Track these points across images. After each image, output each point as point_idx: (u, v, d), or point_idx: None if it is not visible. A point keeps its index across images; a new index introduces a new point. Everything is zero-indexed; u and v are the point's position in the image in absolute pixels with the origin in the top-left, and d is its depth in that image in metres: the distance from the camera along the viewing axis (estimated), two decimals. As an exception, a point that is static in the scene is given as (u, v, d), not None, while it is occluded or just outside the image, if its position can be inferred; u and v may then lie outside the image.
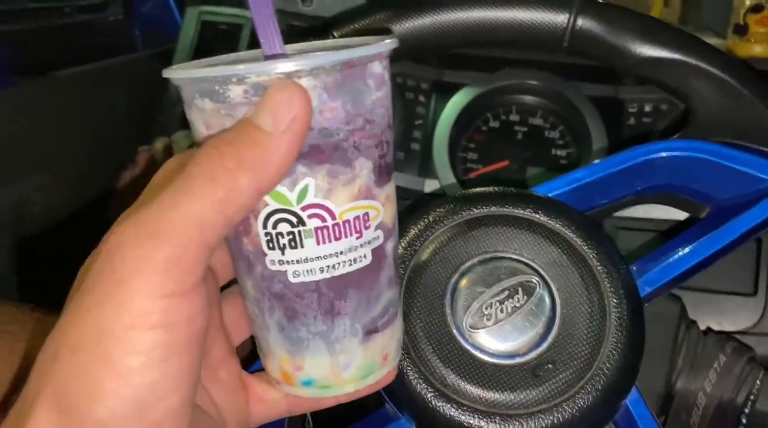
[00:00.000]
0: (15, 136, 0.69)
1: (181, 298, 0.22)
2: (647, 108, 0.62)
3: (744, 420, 0.40)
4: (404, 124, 0.66)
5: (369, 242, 0.27)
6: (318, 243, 0.25)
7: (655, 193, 0.38)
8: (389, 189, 0.28)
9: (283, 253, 0.26)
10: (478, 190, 0.37)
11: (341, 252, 0.26)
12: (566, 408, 0.31)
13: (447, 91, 0.67)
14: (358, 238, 0.26)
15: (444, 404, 0.32)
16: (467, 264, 0.34)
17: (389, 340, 0.29)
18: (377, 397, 0.35)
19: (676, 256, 0.35)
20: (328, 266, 0.26)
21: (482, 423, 0.31)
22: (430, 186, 0.65)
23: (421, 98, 0.68)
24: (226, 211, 0.23)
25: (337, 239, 0.26)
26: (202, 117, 0.25)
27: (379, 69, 0.26)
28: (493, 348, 0.33)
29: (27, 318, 0.39)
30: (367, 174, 0.26)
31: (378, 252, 0.27)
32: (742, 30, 0.67)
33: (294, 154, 0.24)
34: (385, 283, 0.28)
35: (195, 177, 0.23)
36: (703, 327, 0.48)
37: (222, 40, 0.67)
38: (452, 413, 0.32)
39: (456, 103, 0.66)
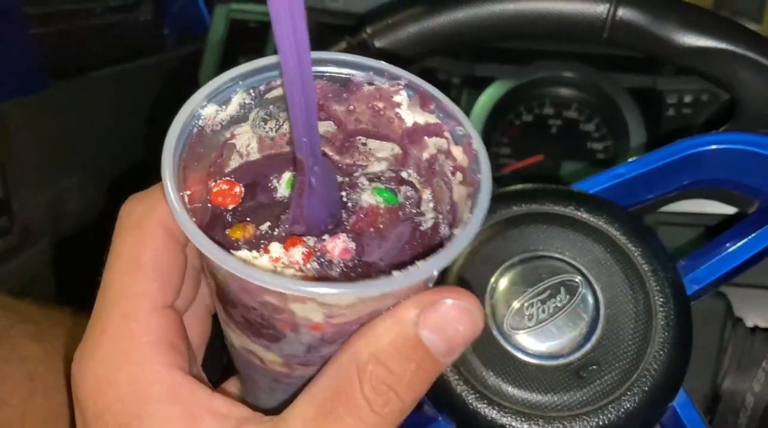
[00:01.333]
0: (51, 137, 0.70)
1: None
2: (687, 99, 0.60)
3: (795, 422, 0.39)
4: (435, 119, 0.66)
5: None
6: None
7: (703, 187, 0.37)
8: None
9: None
10: (517, 186, 0.36)
11: None
12: (611, 410, 0.31)
13: (479, 85, 0.66)
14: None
15: (485, 406, 0.31)
16: (507, 264, 0.34)
17: None
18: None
19: (724, 253, 0.34)
20: None
21: (524, 426, 0.31)
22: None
23: (453, 93, 0.67)
24: None
25: None
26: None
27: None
28: (534, 349, 0.32)
29: (68, 320, 0.40)
30: None
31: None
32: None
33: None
34: None
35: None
36: (750, 324, 0.47)
37: (251, 38, 0.67)
38: (494, 415, 0.31)
39: (488, 97, 0.65)
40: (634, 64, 0.63)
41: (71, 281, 0.70)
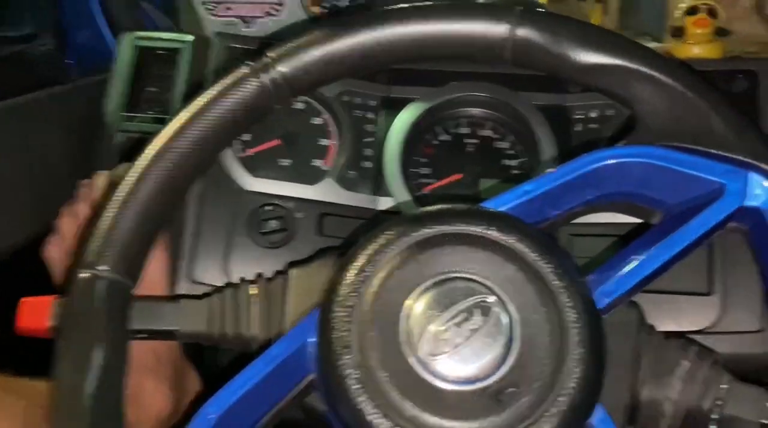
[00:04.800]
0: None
1: None
2: (593, 114, 0.62)
3: (713, 426, 0.40)
4: (355, 142, 0.65)
5: None
6: None
7: (607, 201, 0.38)
8: None
9: None
10: (427, 208, 0.36)
11: None
12: (531, 432, 0.30)
13: (396, 106, 0.66)
14: None
15: (405, 439, 0.30)
16: (421, 288, 0.33)
17: None
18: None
19: (631, 266, 0.35)
20: None
21: (445, 456, 0.30)
22: (384, 204, 0.64)
23: (370, 115, 0.67)
24: None
25: None
26: None
27: None
28: (452, 375, 0.31)
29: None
30: None
31: None
32: (678, 32, 0.68)
33: None
34: None
35: None
36: (661, 328, 0.48)
37: (160, 66, 0.65)
38: (414, 447, 0.30)
39: (405, 118, 0.65)
40: (544, 83, 0.64)
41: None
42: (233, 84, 0.37)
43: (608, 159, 0.36)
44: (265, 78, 0.37)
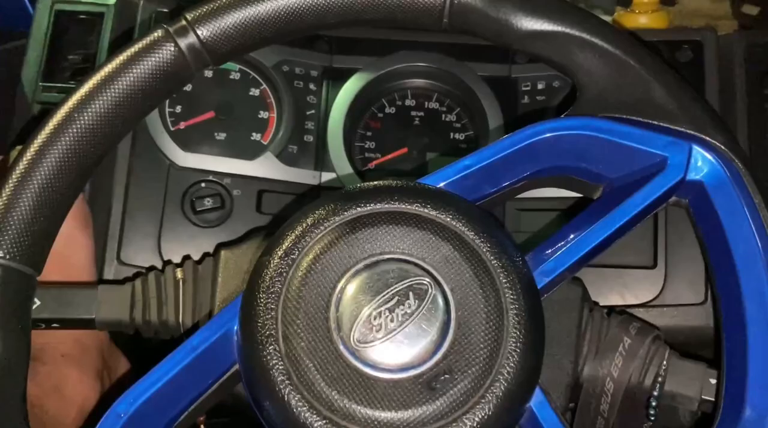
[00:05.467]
0: None
1: None
2: (540, 86, 0.61)
3: (654, 403, 0.39)
4: (296, 115, 0.62)
5: None
6: None
7: (547, 175, 0.36)
8: None
9: None
10: (359, 185, 0.34)
11: None
12: (466, 421, 0.29)
13: (338, 77, 0.63)
14: None
15: (333, 431, 0.28)
16: (352, 271, 0.31)
17: None
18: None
19: (571, 243, 0.33)
20: None
21: (377, 448, 0.28)
22: (326, 179, 0.61)
23: (312, 86, 0.64)
24: None
25: None
26: None
27: None
28: (384, 363, 0.30)
29: None
30: None
31: None
32: (626, 1, 0.66)
33: None
34: None
35: None
36: (606, 302, 0.47)
37: (81, 31, 0.60)
38: (344, 440, 0.28)
39: (348, 89, 0.63)
40: (490, 54, 0.62)
41: None
42: (145, 49, 0.33)
43: (546, 132, 0.34)
44: (182, 43, 0.34)
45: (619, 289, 0.53)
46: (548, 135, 0.34)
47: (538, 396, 0.31)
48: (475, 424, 0.29)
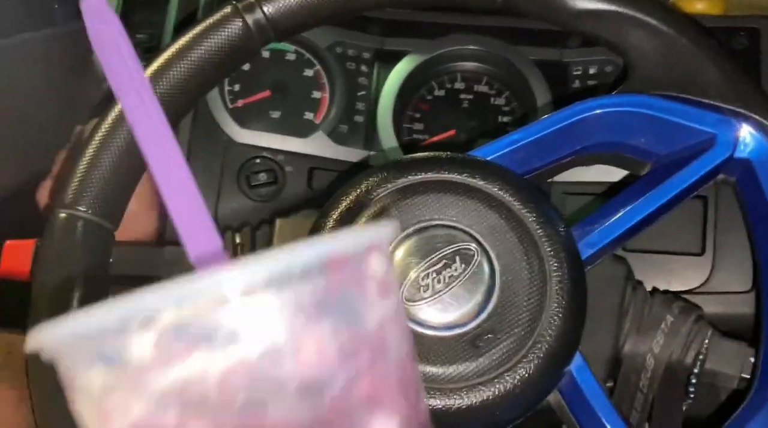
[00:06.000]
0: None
1: None
2: (591, 70, 0.61)
3: (694, 380, 0.40)
4: (347, 96, 0.64)
5: None
6: None
7: (595, 152, 0.37)
8: None
9: None
10: (412, 155, 0.35)
11: None
12: (507, 378, 0.30)
13: (389, 59, 0.65)
14: None
15: (381, 382, 0.30)
16: (402, 235, 0.33)
17: None
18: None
19: (616, 216, 0.34)
20: None
21: (421, 400, 0.30)
22: (375, 160, 0.63)
23: (364, 68, 0.65)
24: None
25: None
26: (90, 401, 0.15)
27: (382, 265, 0.17)
28: (430, 321, 0.31)
29: None
30: None
31: None
32: (683, -13, 0.66)
33: None
34: None
35: None
36: (650, 288, 0.47)
37: (147, 10, 0.63)
38: (390, 391, 0.30)
39: (399, 71, 0.64)
40: (542, 37, 0.63)
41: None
42: (215, 24, 0.36)
43: (596, 108, 0.35)
44: (249, 18, 0.36)
45: (666, 276, 0.53)
46: (598, 111, 0.35)
47: (578, 360, 0.32)
48: (516, 381, 0.30)
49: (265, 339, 0.15)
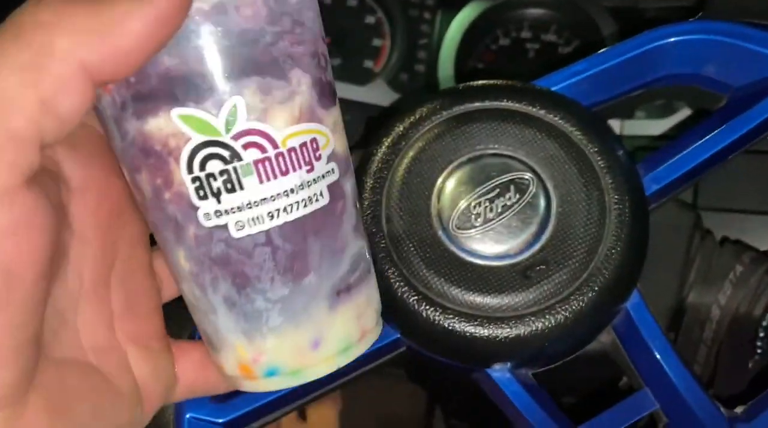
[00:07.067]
0: None
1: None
2: (667, 16, 0.58)
3: (761, 334, 0.37)
4: (407, 44, 0.63)
5: (323, 176, 0.22)
6: (261, 181, 0.21)
7: (666, 84, 0.35)
8: (336, 114, 0.24)
9: (219, 201, 0.21)
10: (468, 83, 0.34)
11: (291, 190, 0.21)
12: (559, 310, 0.29)
13: (453, 6, 0.63)
14: (309, 172, 0.22)
15: (428, 308, 0.30)
16: (456, 162, 0.32)
17: (365, 304, 0.25)
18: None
19: (686, 151, 0.32)
20: (278, 209, 0.21)
21: (468, 327, 0.29)
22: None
23: (426, 15, 0.64)
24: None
25: (284, 173, 0.21)
26: None
27: None
28: (481, 250, 0.30)
29: None
30: (307, 90, 0.22)
31: (335, 190, 0.23)
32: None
33: (150, 41, 0.18)
34: (350, 230, 0.24)
35: None
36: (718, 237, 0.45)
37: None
38: (437, 317, 0.30)
39: (462, 19, 0.62)
40: (616, -18, 0.60)
41: None
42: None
43: (671, 36, 0.33)
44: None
45: (739, 236, 0.51)
46: (672, 39, 0.33)
47: (635, 298, 0.31)
48: (568, 314, 0.29)
49: None
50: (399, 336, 0.32)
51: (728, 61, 0.33)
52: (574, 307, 0.29)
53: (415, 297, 0.30)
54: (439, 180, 0.32)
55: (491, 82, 0.34)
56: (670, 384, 0.30)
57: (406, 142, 0.33)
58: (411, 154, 0.32)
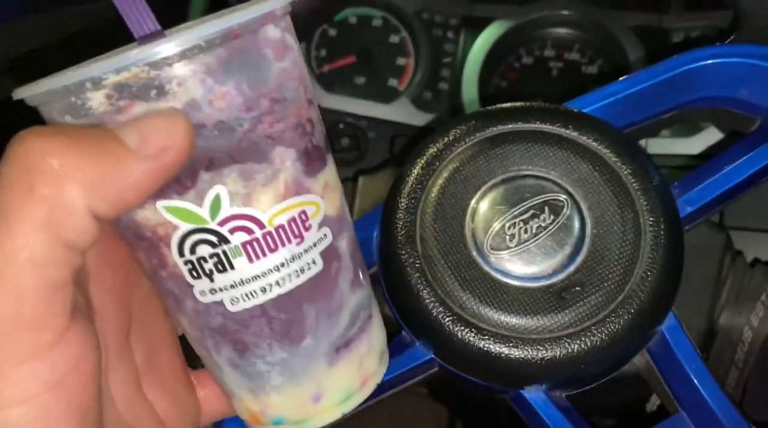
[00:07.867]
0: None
1: (42, 361, 0.18)
2: (695, 35, 0.58)
3: (795, 357, 0.37)
4: (432, 63, 0.64)
5: (314, 245, 0.23)
6: (251, 261, 0.21)
7: (700, 106, 0.35)
8: (328, 175, 0.24)
9: (212, 280, 0.22)
10: (502, 105, 0.34)
11: (282, 265, 0.22)
12: (595, 332, 0.29)
13: (477, 26, 0.64)
14: (299, 244, 0.22)
15: (462, 329, 0.30)
16: (489, 184, 0.32)
17: (366, 353, 0.25)
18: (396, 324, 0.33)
19: (720, 173, 0.32)
20: (270, 284, 0.22)
21: (503, 349, 0.29)
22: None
23: (450, 34, 0.65)
24: (58, 236, 0.18)
25: (272, 250, 0.22)
26: None
27: (276, 33, 0.22)
28: (515, 271, 0.30)
29: None
30: (291, 165, 0.22)
31: (328, 254, 0.23)
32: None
33: (151, 186, 0.19)
34: (346, 288, 0.24)
35: (4, 187, 0.18)
36: (749, 259, 0.45)
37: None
38: (471, 338, 0.30)
39: (486, 38, 0.63)
40: (640, 1, 0.60)
41: None
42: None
43: (707, 58, 0.33)
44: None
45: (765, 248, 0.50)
46: (709, 61, 0.33)
47: (671, 320, 0.31)
48: (603, 336, 0.29)
49: (185, 95, 0.20)
50: (432, 356, 0.32)
51: (764, 84, 0.33)
52: (610, 329, 0.29)
53: (450, 318, 0.30)
54: (473, 201, 0.32)
55: (524, 103, 0.34)
56: (707, 408, 0.30)
57: (439, 163, 0.33)
58: (445, 175, 0.32)
